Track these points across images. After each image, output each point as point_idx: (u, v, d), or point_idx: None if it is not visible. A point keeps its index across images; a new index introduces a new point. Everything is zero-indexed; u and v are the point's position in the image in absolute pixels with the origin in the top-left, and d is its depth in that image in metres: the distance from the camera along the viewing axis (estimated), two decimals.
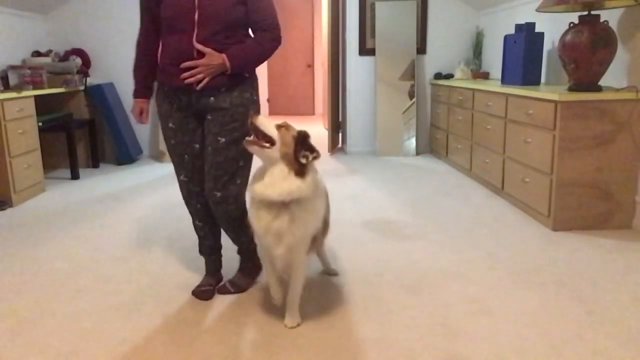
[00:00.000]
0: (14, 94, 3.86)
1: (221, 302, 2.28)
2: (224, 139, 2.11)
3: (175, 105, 2.15)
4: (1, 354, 1.89)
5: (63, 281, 2.52)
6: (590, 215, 3.15)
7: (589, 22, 3.04)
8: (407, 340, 1.95)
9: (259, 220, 1.91)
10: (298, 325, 2.06)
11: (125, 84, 5.61)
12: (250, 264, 2.44)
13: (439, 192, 4.13)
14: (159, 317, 2.16)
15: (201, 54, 2.03)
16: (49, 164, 5.05)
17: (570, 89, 3.17)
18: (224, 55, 2.04)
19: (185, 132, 2.17)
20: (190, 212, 2.33)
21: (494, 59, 5.27)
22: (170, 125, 2.18)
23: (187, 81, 2.04)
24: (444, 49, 5.74)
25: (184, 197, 2.30)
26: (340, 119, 6.28)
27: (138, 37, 2.23)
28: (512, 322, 2.07)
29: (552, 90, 3.23)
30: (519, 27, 3.89)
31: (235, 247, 2.40)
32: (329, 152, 5.96)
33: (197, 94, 2.10)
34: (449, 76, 5.46)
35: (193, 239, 3.06)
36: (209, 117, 2.13)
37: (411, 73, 5.61)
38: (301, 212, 1.87)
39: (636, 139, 3.07)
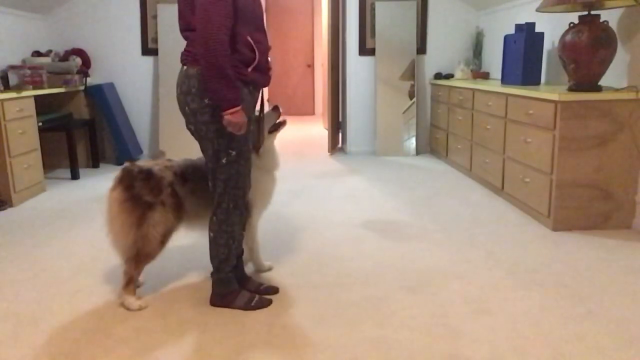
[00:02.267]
0: (14, 94, 3.86)
1: None
2: None
3: (253, 105, 2.12)
4: (1, 353, 1.89)
5: (63, 281, 2.52)
6: (590, 215, 3.15)
7: (589, 22, 3.04)
8: (407, 340, 1.95)
9: (274, 183, 2.50)
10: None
11: (125, 84, 5.61)
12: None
13: (439, 192, 4.13)
14: (159, 317, 2.15)
15: None
16: (49, 164, 5.05)
17: (570, 89, 3.17)
18: None
19: None
20: (237, 223, 2.16)
21: (494, 59, 5.28)
22: (252, 127, 2.12)
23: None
24: (444, 49, 5.74)
25: (239, 207, 2.14)
26: (340, 119, 6.28)
27: (223, 39, 1.85)
28: (512, 322, 2.07)
29: (552, 90, 3.23)
30: (519, 27, 3.89)
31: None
32: (329, 152, 5.96)
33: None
34: (449, 76, 5.46)
35: (192, 239, 3.06)
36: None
37: (411, 73, 5.61)
38: None
39: (636, 139, 3.07)
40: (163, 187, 2.19)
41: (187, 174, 2.27)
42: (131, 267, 2.23)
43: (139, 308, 2.21)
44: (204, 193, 2.26)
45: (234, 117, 1.91)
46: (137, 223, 2.16)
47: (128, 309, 2.21)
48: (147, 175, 2.19)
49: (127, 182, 2.18)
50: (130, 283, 2.24)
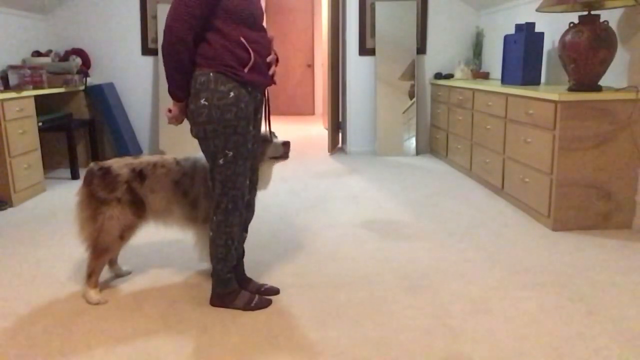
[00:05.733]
0: (14, 94, 3.86)
1: None
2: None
3: (252, 106, 2.09)
4: (1, 353, 1.89)
5: (63, 281, 2.52)
6: (590, 215, 3.15)
7: (589, 22, 3.04)
8: (407, 340, 1.95)
9: None
10: None
11: (125, 84, 5.62)
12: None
13: (439, 192, 4.13)
14: (159, 317, 2.16)
15: None
16: (49, 164, 5.05)
17: (570, 89, 3.17)
18: None
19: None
20: (236, 224, 2.13)
21: (494, 59, 5.28)
22: (251, 128, 2.09)
23: (275, 77, 2.17)
24: (444, 49, 5.74)
25: (238, 208, 2.12)
26: (340, 119, 6.28)
27: (184, 37, 1.93)
28: (512, 322, 2.07)
29: (552, 90, 3.23)
30: (519, 27, 3.90)
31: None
32: (329, 152, 5.96)
33: (264, 91, 2.21)
34: (449, 76, 5.46)
35: (192, 239, 3.05)
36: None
37: (411, 73, 5.61)
38: None
39: (636, 139, 3.07)
40: (118, 185, 2.26)
41: (147, 171, 2.30)
42: (91, 260, 2.31)
43: (97, 302, 2.28)
44: (164, 189, 2.31)
45: (172, 108, 2.08)
46: (93, 217, 2.26)
47: (88, 302, 2.29)
48: (105, 172, 2.27)
49: (88, 181, 2.29)
50: (92, 276, 2.31)
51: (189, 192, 2.32)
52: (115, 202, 2.25)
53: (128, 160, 2.34)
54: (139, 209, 2.29)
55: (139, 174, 2.28)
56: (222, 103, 1.97)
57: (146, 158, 2.36)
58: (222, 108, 1.97)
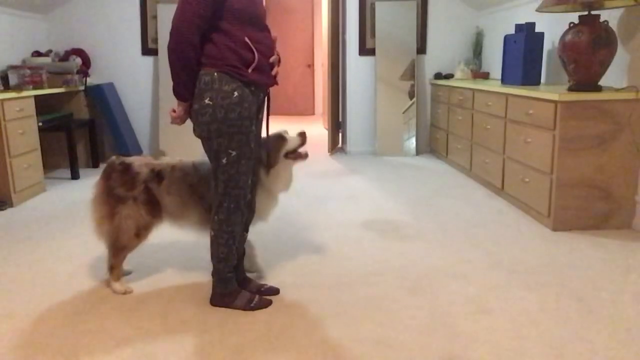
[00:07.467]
0: (14, 94, 3.86)
1: None
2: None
3: (256, 105, 2.09)
4: (1, 354, 1.89)
5: (63, 281, 2.52)
6: (590, 215, 3.15)
7: (589, 22, 3.05)
8: (407, 340, 1.95)
9: (271, 204, 2.43)
10: None
11: (125, 84, 5.61)
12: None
13: (439, 192, 4.13)
14: (159, 317, 2.16)
15: None
16: (49, 164, 5.05)
17: (570, 89, 3.17)
18: None
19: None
20: (238, 223, 2.13)
21: (494, 59, 5.28)
22: (253, 128, 2.09)
23: (277, 77, 2.17)
24: (444, 49, 5.74)
25: (240, 208, 2.12)
26: (340, 119, 6.28)
27: (190, 38, 1.93)
28: (512, 322, 2.07)
29: (552, 90, 3.23)
30: (519, 27, 3.90)
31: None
32: (329, 152, 5.96)
33: (267, 91, 2.20)
34: (449, 76, 5.47)
35: (193, 239, 3.06)
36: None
37: (411, 73, 5.61)
38: None
39: (636, 139, 3.07)
40: (137, 183, 2.27)
41: (165, 172, 2.31)
42: (111, 256, 2.37)
43: (123, 292, 2.36)
44: (180, 192, 2.31)
45: (176, 109, 2.08)
46: (110, 215, 2.29)
47: (114, 292, 2.37)
48: (125, 169, 2.29)
49: (107, 174, 2.31)
50: (114, 270, 2.38)
51: (206, 197, 2.32)
52: (132, 200, 2.27)
53: (148, 159, 2.36)
54: (155, 209, 2.31)
55: (157, 175, 2.29)
56: (226, 103, 1.97)
57: (166, 160, 2.38)
58: (226, 108, 1.97)
